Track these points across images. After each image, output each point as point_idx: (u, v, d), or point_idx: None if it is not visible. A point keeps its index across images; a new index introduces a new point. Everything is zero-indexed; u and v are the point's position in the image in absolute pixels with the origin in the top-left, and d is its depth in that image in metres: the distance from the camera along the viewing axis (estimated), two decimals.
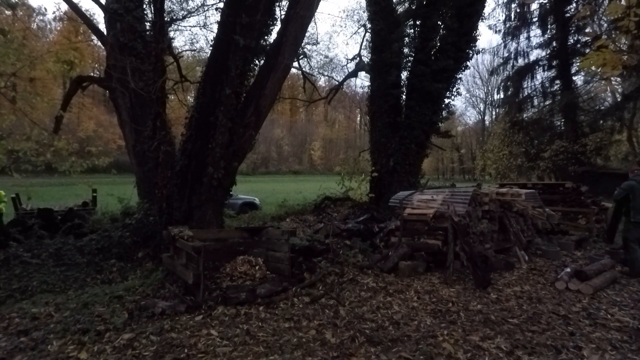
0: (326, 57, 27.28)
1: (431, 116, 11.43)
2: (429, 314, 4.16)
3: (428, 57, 11.41)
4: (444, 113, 12.25)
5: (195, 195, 5.97)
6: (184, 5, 11.82)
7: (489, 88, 53.95)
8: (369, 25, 13.74)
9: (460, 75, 12.08)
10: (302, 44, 12.65)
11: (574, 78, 21.16)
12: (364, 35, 16.01)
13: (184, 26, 31.68)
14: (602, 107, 21.55)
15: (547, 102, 21.84)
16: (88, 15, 10.83)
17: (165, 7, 8.85)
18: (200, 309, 4.11)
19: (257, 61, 6.40)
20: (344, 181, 13.00)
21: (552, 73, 21.36)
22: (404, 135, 11.39)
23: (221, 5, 6.66)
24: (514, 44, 22.78)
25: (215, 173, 5.80)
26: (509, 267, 6.06)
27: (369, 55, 13.80)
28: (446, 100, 11.88)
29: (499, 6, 22.59)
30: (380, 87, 12.13)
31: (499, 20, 22.74)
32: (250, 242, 5.58)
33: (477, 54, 12.43)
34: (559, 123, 21.75)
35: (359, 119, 60.43)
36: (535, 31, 22.00)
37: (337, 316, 4.03)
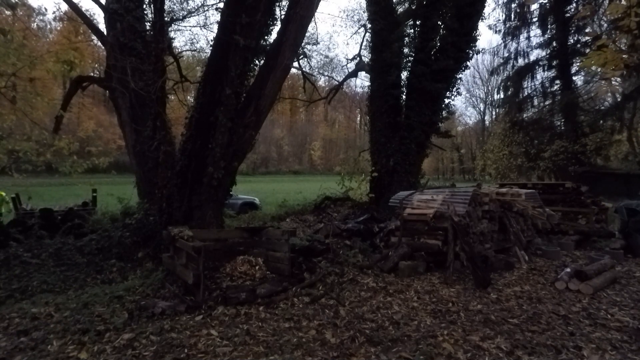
0: (326, 57, 27.18)
1: (431, 116, 11.43)
2: (429, 314, 4.16)
3: (428, 57, 11.42)
4: (444, 113, 12.26)
5: (195, 195, 5.97)
6: (184, 5, 11.84)
7: (489, 88, 53.99)
8: (369, 25, 13.74)
9: (460, 75, 12.12)
10: (302, 44, 12.67)
11: (574, 78, 21.19)
12: (364, 35, 16.02)
13: (184, 26, 31.64)
14: (602, 107, 21.56)
15: (547, 102, 21.85)
16: (88, 15, 10.83)
17: (165, 7, 8.87)
18: (200, 309, 4.11)
19: (257, 61, 6.41)
20: (344, 181, 12.99)
21: (552, 73, 21.38)
22: (404, 135, 11.39)
23: (221, 5, 6.67)
24: (514, 44, 22.83)
25: (215, 173, 5.80)
26: (509, 267, 6.06)
27: (369, 55, 13.81)
28: (446, 100, 11.90)
29: (499, 6, 22.64)
30: (380, 87, 12.13)
31: (499, 20, 22.79)
32: (250, 242, 5.58)
33: (477, 54, 12.48)
34: (559, 123, 21.76)
35: (359, 119, 60.60)
36: (535, 31, 22.05)
37: (337, 316, 4.03)
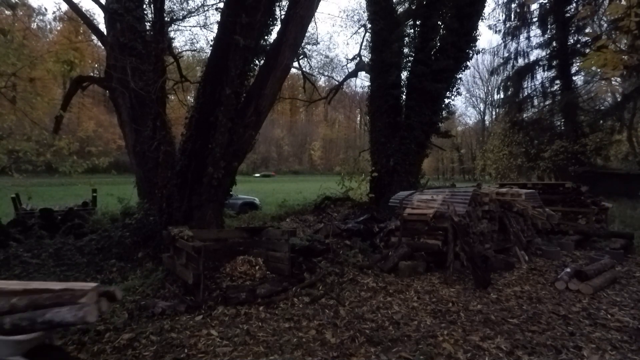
0: (326, 57, 27.13)
1: (431, 116, 11.43)
2: (429, 314, 4.17)
3: (428, 57, 11.42)
4: (444, 113, 12.26)
5: (195, 195, 5.97)
6: (184, 5, 11.85)
7: (489, 88, 54.05)
8: (369, 25, 13.74)
9: (460, 75, 12.10)
10: (302, 44, 12.66)
11: (574, 78, 21.21)
12: (364, 35, 16.02)
13: (184, 26, 31.65)
14: (602, 107, 21.57)
15: (547, 102, 21.88)
16: (88, 15, 10.83)
17: (165, 7, 8.87)
18: (200, 309, 4.11)
19: (257, 61, 6.41)
20: (344, 181, 12.99)
21: (552, 73, 21.40)
22: (404, 135, 11.39)
23: (221, 5, 6.68)
24: (514, 44, 22.86)
25: (215, 173, 5.80)
26: (509, 267, 6.06)
27: (369, 55, 13.80)
28: (446, 100, 11.90)
29: (499, 6, 22.64)
30: (380, 87, 12.13)
31: (499, 20, 22.79)
32: (250, 242, 5.58)
33: (477, 54, 12.47)
34: (559, 123, 21.78)
35: (359, 119, 60.60)
36: (535, 31, 22.07)
37: (337, 316, 4.03)
